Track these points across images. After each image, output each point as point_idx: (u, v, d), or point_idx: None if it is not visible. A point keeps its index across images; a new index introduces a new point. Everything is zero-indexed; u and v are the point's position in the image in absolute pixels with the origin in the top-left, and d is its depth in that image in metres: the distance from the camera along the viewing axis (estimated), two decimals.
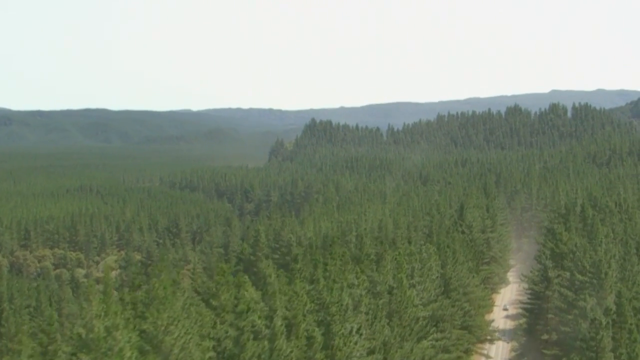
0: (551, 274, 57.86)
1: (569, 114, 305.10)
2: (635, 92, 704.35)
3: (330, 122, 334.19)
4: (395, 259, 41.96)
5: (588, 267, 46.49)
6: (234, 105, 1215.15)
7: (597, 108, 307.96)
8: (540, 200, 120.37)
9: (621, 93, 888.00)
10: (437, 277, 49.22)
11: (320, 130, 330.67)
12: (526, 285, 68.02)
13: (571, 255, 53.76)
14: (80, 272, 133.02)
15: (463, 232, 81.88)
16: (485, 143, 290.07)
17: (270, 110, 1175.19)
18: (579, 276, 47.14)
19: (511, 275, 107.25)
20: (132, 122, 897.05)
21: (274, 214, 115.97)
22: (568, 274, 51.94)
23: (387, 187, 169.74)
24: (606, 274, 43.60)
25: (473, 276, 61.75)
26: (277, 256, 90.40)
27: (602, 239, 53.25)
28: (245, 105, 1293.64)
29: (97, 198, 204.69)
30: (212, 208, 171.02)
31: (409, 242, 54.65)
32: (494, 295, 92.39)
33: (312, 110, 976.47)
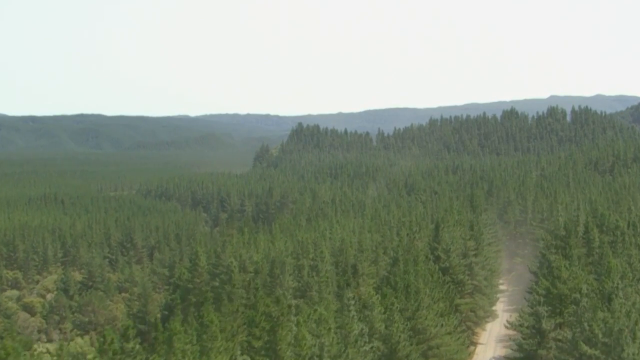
0: (546, 325, 42.12)
1: (568, 118, 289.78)
2: (635, 97, 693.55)
3: (317, 127, 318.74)
4: (295, 330, 26.42)
5: (600, 335, 30.92)
6: (231, 111, 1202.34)
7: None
8: (537, 214, 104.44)
9: (620, 98, 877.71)
10: (372, 347, 33.60)
11: (308, 135, 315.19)
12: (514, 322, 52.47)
13: (574, 307, 38.09)
14: (13, 294, 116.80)
15: (438, 258, 66.22)
16: (479, 148, 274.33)
17: (268, 116, 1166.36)
18: (585, 347, 31.49)
19: (502, 302, 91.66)
20: (125, 127, 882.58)
21: (227, 229, 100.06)
22: (569, 333, 36.28)
23: (368, 197, 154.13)
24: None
25: (442, 324, 45.90)
26: (216, 284, 74.80)
27: (617, 283, 37.37)
28: (243, 110, 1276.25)
29: (58, 208, 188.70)
30: (174, 219, 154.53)
31: (347, 284, 38.79)
32: (478, 331, 76.61)
33: (309, 116, 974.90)
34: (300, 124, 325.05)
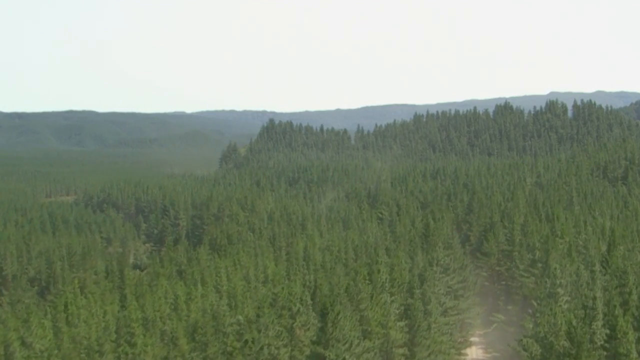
0: None
1: (570, 114, 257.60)
2: (635, 93, 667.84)
3: (290, 124, 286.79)
4: None
5: None
6: (228, 108, 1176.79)
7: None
8: (524, 251, 72.11)
9: (621, 95, 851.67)
10: None
11: (279, 133, 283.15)
12: None
13: None
14: None
15: None
16: (469, 148, 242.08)
17: (264, 113, 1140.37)
18: None
19: None
20: (111, 124, 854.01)
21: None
22: None
23: (317, 211, 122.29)
24: None
25: None
26: None
27: None
28: (239, 107, 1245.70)
29: None
30: (78, 240, 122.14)
31: None
32: None
33: (306, 113, 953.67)
34: (271, 120, 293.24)
